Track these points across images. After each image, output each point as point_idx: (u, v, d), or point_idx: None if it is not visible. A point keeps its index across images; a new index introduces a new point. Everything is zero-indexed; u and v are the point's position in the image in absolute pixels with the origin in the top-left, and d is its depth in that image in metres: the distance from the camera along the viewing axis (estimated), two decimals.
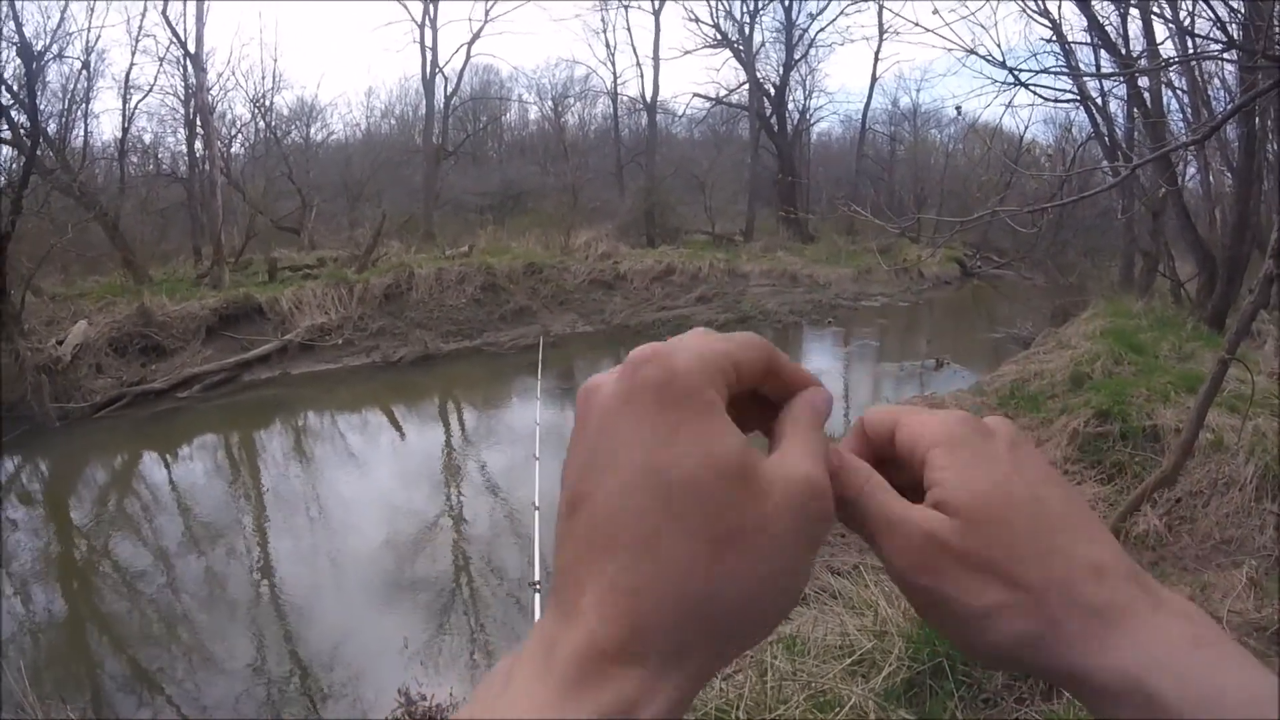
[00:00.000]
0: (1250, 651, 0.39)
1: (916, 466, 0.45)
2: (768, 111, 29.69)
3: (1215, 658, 0.38)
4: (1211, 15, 4.57)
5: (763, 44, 30.05)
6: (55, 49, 14.99)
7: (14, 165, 12.72)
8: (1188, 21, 5.91)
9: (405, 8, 26.12)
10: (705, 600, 0.35)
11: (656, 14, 27.33)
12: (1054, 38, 10.42)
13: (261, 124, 22.88)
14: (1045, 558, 0.41)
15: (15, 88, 13.33)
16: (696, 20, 29.00)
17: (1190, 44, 6.79)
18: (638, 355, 0.39)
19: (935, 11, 4.81)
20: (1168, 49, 9.68)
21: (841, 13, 31.73)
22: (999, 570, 0.41)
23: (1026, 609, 0.41)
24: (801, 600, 4.63)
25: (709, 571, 0.35)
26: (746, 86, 29.20)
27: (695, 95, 32.68)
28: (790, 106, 30.98)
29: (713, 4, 29.37)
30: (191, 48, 17.48)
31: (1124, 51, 10.51)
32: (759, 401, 0.44)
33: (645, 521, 0.36)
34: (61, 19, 15.12)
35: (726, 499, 0.36)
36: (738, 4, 29.09)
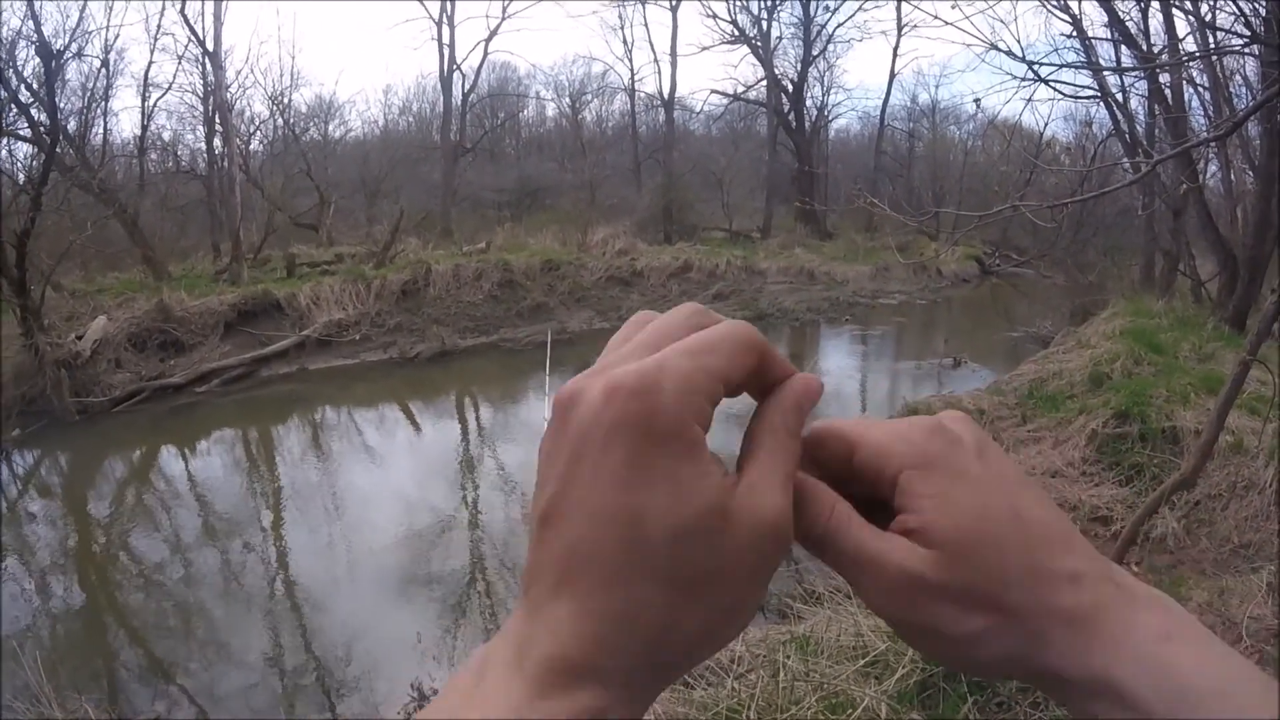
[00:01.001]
0: (1260, 655, 0.39)
1: (885, 487, 0.43)
2: (786, 108, 29.62)
3: (1183, 649, 0.38)
4: (1234, 9, 4.52)
5: (780, 40, 30.04)
6: (74, 48, 15.15)
7: (34, 163, 12.87)
8: (1209, 16, 5.85)
9: (423, 6, 26.21)
10: (666, 634, 0.37)
11: (674, 10, 27.35)
12: (1074, 33, 10.34)
13: (280, 121, 23.04)
14: (1027, 577, 0.41)
15: (35, 86, 13.45)
16: (714, 16, 29.04)
17: (1212, 39, 6.72)
18: (624, 382, 0.38)
19: (955, 5, 4.76)
20: (1189, 45, 9.58)
21: (860, 8, 31.76)
22: (982, 598, 0.41)
23: (1011, 630, 0.41)
24: (816, 599, 4.62)
25: (672, 613, 0.37)
26: (764, 83, 29.16)
27: (713, 92, 32.64)
28: (808, 103, 30.94)
29: (730, 0, 29.37)
30: (210, 46, 17.57)
31: (1145, 47, 10.42)
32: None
33: (616, 560, 0.36)
34: (80, 18, 15.27)
35: (694, 547, 0.37)
36: (755, 0, 29.04)
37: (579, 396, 0.39)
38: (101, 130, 17.71)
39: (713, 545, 0.37)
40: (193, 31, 17.99)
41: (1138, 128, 12.35)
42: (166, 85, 19.70)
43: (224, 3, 16.98)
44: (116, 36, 19.32)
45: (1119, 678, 0.38)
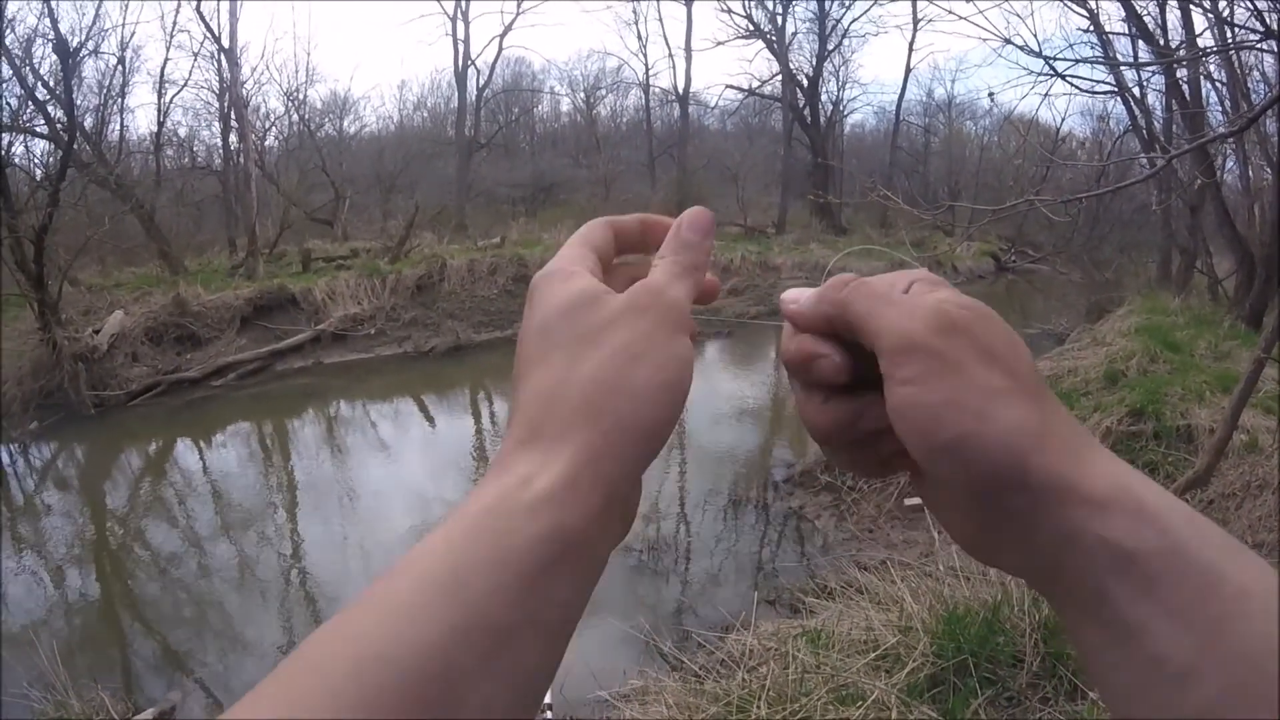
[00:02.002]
0: None
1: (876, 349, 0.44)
2: (801, 103, 29.51)
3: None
4: (1250, 5, 4.49)
5: (795, 34, 29.83)
6: (91, 45, 15.25)
7: (51, 159, 12.97)
8: (1226, 11, 5.82)
9: (438, 2, 26.26)
10: (567, 381, 0.43)
11: (688, 4, 27.29)
12: (1091, 28, 10.27)
13: (295, 117, 23.17)
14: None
15: (52, 83, 13.57)
16: (729, 11, 28.86)
17: (1229, 35, 6.67)
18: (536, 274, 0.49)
19: (971, 0, 4.75)
20: (1207, 40, 9.51)
21: (876, 2, 31.52)
22: (999, 359, 0.42)
23: (1027, 397, 0.41)
24: (827, 594, 4.63)
25: (569, 361, 0.43)
26: (779, 78, 29.03)
27: (728, 87, 32.63)
28: (823, 98, 30.75)
29: None
30: (226, 42, 17.69)
31: (1162, 42, 10.35)
32: None
33: (532, 356, 0.45)
34: (96, 16, 15.38)
35: (578, 313, 0.45)
36: None
37: None
38: (118, 127, 17.87)
39: (591, 307, 0.45)
40: (208, 28, 18.11)
41: (1155, 123, 12.27)
42: (182, 82, 19.85)
43: (239, 0, 17.08)
44: (133, 34, 19.49)
45: (1137, 488, 0.38)
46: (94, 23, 15.21)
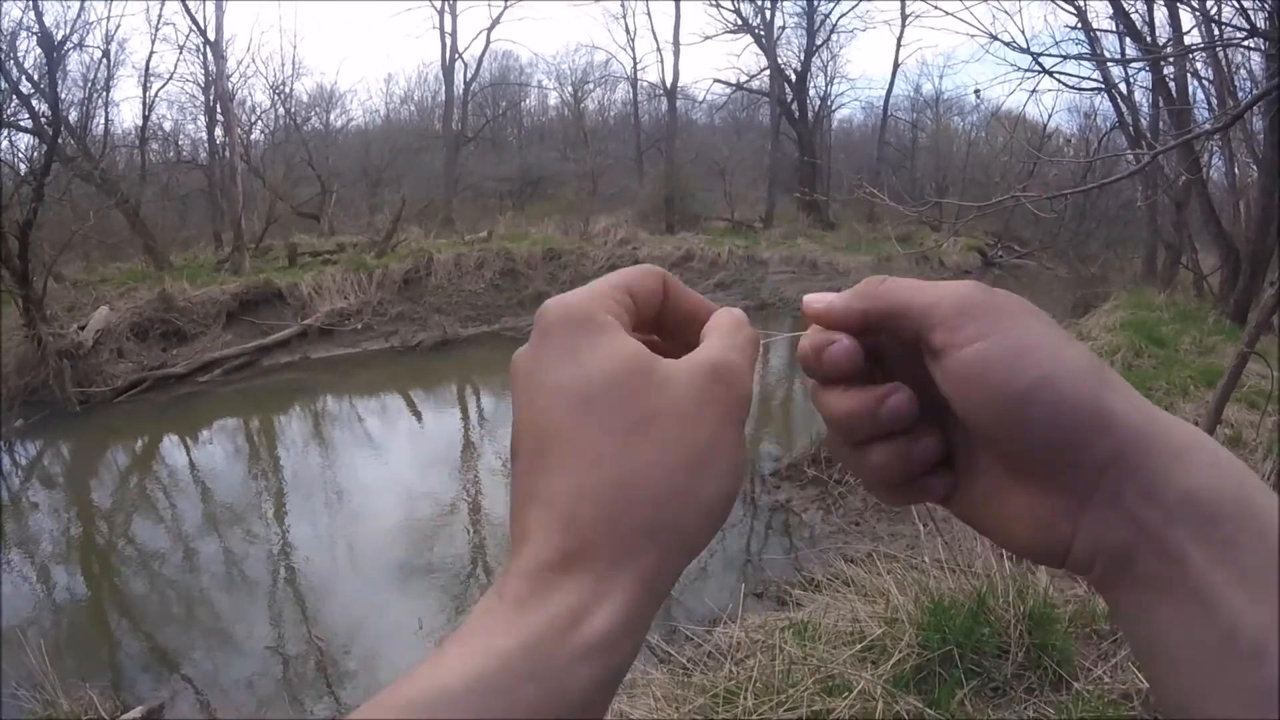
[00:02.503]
0: None
1: (929, 326, 0.42)
2: (789, 98, 29.51)
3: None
4: (1236, 3, 4.52)
5: (784, 29, 29.82)
6: (75, 38, 15.12)
7: (36, 153, 12.83)
8: (1213, 9, 5.86)
9: None
10: (628, 487, 0.37)
11: None
12: (1078, 25, 10.32)
13: (281, 111, 23.05)
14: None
15: (36, 77, 13.47)
16: (717, 5, 28.83)
17: (1216, 32, 6.72)
18: (543, 307, 0.42)
19: None
20: (1194, 38, 9.57)
21: None
22: (1041, 314, 0.42)
23: (1078, 343, 0.41)
24: (814, 586, 4.65)
25: (625, 458, 0.37)
26: (767, 72, 29.02)
27: (716, 81, 32.60)
28: (811, 93, 30.76)
29: None
30: (211, 35, 17.55)
31: (1149, 39, 10.41)
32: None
33: (563, 431, 0.38)
34: (81, 8, 15.26)
35: (629, 391, 0.39)
36: None
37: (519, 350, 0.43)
38: (103, 121, 17.69)
39: (646, 389, 0.39)
40: (194, 21, 17.95)
41: (1141, 120, 12.34)
42: (168, 75, 19.70)
43: None
44: (118, 27, 19.44)
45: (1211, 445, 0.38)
46: (79, 16, 15.09)
